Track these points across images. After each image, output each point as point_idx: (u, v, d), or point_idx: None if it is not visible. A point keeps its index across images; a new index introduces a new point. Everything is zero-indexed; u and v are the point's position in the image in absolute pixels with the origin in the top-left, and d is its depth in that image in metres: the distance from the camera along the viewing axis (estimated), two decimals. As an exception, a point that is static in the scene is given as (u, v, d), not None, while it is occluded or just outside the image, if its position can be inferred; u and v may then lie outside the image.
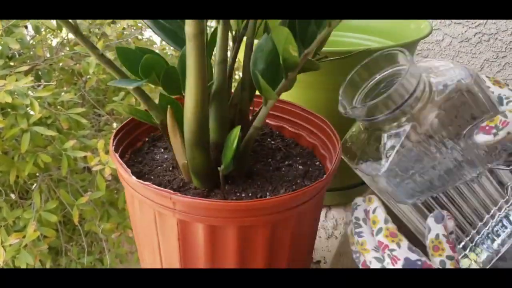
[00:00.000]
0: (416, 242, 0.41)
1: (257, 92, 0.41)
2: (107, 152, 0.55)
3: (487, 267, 0.42)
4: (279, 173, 0.45)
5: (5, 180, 0.55)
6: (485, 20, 0.97)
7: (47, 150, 0.54)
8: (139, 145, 0.49)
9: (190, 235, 0.39)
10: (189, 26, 0.33)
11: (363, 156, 0.41)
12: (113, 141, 0.44)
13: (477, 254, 0.43)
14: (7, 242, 0.49)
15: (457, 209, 0.43)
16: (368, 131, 0.41)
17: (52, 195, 0.58)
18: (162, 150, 0.48)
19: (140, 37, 0.93)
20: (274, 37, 0.34)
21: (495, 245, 0.43)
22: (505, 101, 0.40)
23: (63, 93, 0.63)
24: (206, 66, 0.35)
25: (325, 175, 0.41)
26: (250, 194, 0.41)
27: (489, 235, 0.43)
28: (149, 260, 0.45)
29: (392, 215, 0.42)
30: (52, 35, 0.79)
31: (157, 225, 0.40)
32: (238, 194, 0.41)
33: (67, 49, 0.72)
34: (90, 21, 0.78)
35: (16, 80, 0.52)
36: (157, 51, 0.96)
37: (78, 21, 0.73)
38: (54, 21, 0.69)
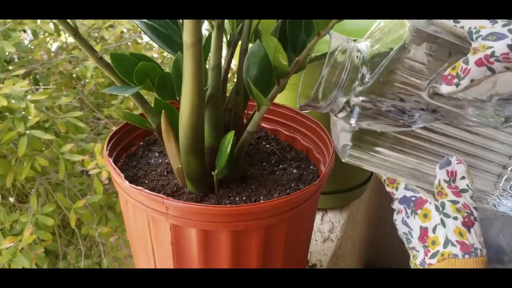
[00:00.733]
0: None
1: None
2: (104, 156, 0.55)
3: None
4: (273, 177, 0.45)
5: (3, 183, 0.56)
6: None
7: (44, 153, 0.54)
8: (134, 149, 0.49)
9: (183, 239, 0.39)
10: (187, 35, 0.33)
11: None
12: (107, 145, 0.44)
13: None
14: (2, 245, 0.49)
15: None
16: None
17: (50, 199, 0.59)
18: (157, 154, 0.48)
19: (139, 40, 0.93)
20: (265, 46, 0.34)
21: None
22: (474, 36, 0.33)
23: (62, 97, 0.64)
24: (202, 73, 0.35)
25: (319, 179, 0.42)
26: (244, 198, 0.41)
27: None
28: (143, 264, 0.45)
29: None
30: (51, 39, 0.79)
31: (150, 229, 0.40)
32: (232, 198, 0.41)
33: (65, 53, 0.72)
34: (89, 24, 0.78)
35: (13, 84, 0.52)
36: (155, 54, 0.96)
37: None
38: (52, 25, 0.69)
